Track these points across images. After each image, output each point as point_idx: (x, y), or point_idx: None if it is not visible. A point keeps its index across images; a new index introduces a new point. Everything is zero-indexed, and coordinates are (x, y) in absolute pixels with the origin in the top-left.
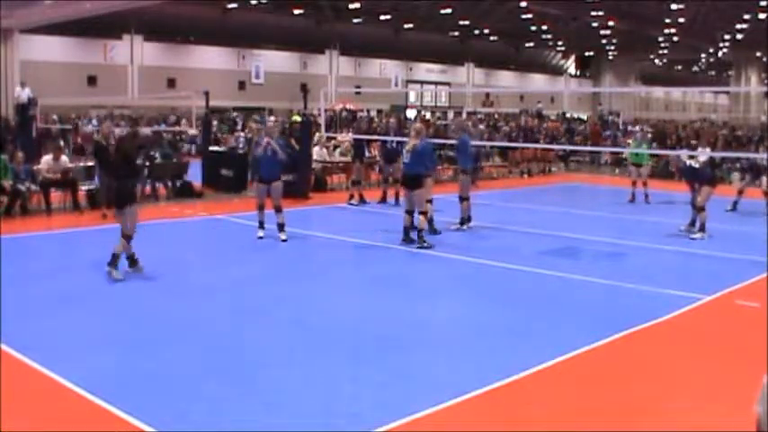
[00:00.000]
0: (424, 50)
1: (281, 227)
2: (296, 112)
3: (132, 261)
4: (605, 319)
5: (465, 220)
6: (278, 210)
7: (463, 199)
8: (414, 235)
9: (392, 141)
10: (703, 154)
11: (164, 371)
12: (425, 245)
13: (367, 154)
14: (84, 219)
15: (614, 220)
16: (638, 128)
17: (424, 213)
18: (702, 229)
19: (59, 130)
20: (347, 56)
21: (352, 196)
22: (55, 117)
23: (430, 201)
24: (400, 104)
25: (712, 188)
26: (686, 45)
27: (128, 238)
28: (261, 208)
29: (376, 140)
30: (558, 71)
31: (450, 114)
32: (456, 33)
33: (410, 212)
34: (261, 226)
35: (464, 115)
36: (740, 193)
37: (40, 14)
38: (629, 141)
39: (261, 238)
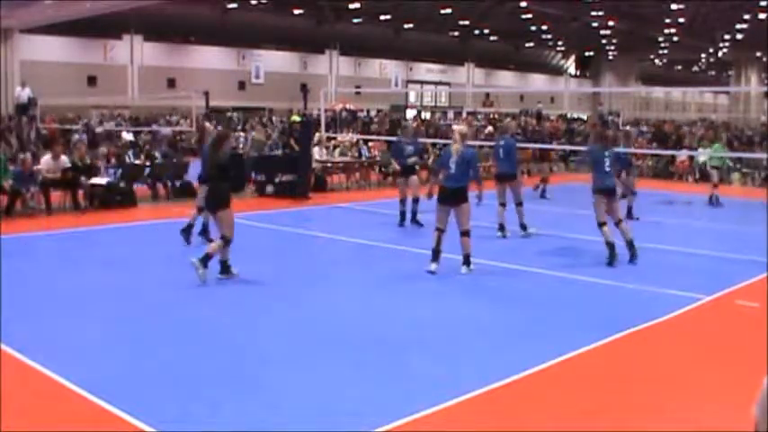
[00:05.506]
0: (424, 50)
1: None
2: (296, 112)
3: (225, 268)
4: (605, 319)
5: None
6: None
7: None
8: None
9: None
10: (703, 154)
11: (164, 371)
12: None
13: (366, 154)
14: (84, 219)
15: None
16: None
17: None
18: None
19: (60, 130)
20: (347, 56)
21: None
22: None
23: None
24: (400, 104)
25: None
26: (686, 45)
27: (226, 241)
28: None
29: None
30: (558, 71)
31: (450, 114)
32: (456, 33)
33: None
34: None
35: (464, 115)
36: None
37: (40, 14)
38: (705, 144)
39: None
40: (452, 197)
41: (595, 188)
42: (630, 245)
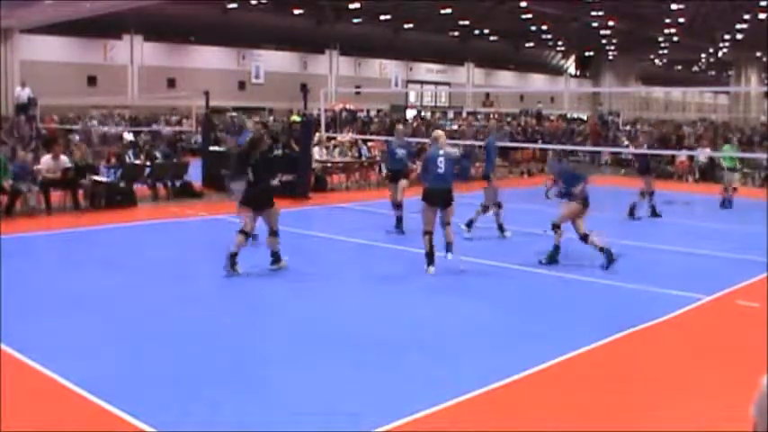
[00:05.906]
0: (424, 50)
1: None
2: (296, 112)
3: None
4: (605, 319)
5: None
6: None
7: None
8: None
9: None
10: (703, 154)
11: (164, 371)
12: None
13: (366, 154)
14: (84, 219)
15: (614, 220)
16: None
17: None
18: None
19: (60, 130)
20: (347, 56)
21: None
22: (55, 117)
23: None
24: (400, 104)
25: None
26: (686, 45)
27: (276, 233)
28: None
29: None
30: (558, 71)
31: (450, 114)
32: (456, 33)
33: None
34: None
35: (464, 115)
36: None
37: (40, 14)
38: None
39: None
40: (441, 198)
41: (582, 198)
42: (602, 250)
